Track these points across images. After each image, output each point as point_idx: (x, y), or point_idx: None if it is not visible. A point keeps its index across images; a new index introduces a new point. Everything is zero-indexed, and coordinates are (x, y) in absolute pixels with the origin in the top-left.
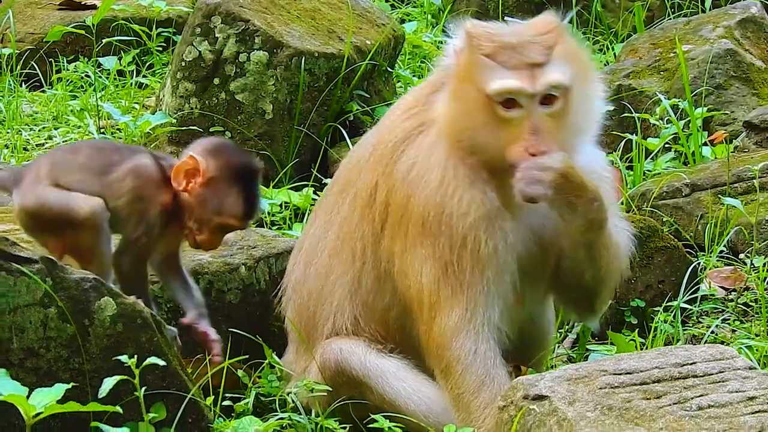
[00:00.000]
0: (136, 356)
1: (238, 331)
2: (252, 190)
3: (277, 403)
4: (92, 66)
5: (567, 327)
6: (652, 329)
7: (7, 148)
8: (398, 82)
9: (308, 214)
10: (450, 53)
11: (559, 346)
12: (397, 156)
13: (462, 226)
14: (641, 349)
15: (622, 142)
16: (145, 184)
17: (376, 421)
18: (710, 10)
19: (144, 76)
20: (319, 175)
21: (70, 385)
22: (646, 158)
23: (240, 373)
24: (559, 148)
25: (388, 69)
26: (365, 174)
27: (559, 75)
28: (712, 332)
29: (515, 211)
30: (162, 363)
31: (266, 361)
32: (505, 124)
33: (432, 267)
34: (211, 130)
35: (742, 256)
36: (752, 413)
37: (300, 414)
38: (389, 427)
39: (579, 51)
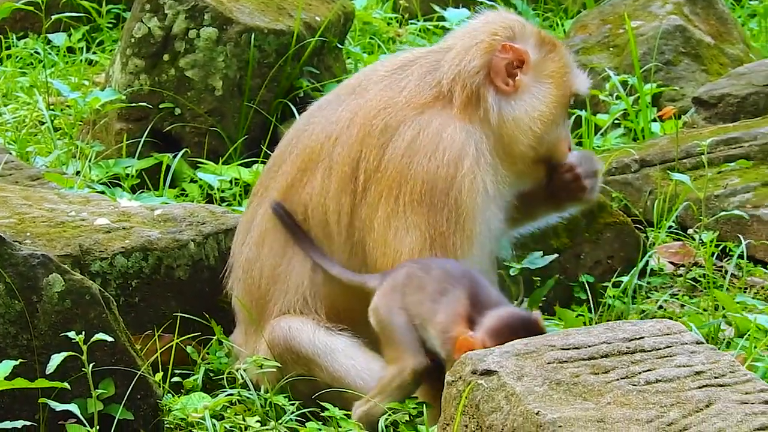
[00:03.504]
0: (84, 332)
1: (187, 317)
2: None
3: (226, 379)
4: (42, 42)
5: (516, 303)
6: (602, 305)
7: None
8: (348, 58)
9: None
10: (490, 48)
11: None
12: (394, 128)
13: (468, 204)
14: (590, 325)
15: (572, 118)
16: None
17: (326, 399)
18: None
19: (94, 53)
20: (268, 152)
21: (18, 362)
22: (595, 134)
23: (189, 349)
24: None
25: (338, 45)
26: (344, 146)
27: None
28: (661, 307)
29: (510, 197)
30: (110, 339)
31: (215, 338)
32: (563, 122)
33: (420, 236)
34: (160, 106)
35: (690, 231)
36: (699, 387)
37: (249, 390)
38: (341, 417)
39: None
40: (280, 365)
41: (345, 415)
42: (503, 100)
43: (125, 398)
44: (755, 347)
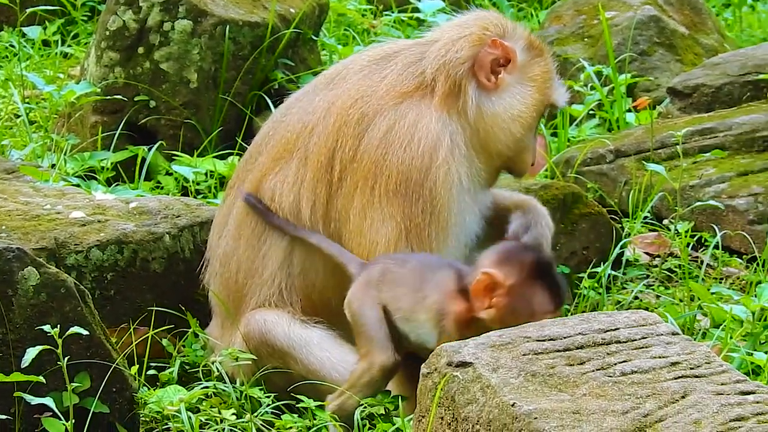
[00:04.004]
0: (59, 326)
1: (162, 310)
2: (554, 279)
3: (201, 372)
4: (17, 35)
5: None
6: (577, 296)
7: None
8: (323, 50)
9: None
10: (479, 42)
11: None
12: (370, 117)
13: (442, 195)
14: (566, 316)
15: (547, 110)
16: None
17: (301, 391)
18: None
19: (69, 46)
20: (244, 144)
21: None
22: (570, 125)
23: (165, 342)
24: None
25: (313, 37)
26: (320, 136)
27: None
28: (636, 298)
29: (484, 191)
30: (85, 332)
31: (191, 330)
32: (533, 131)
33: (395, 227)
34: (135, 99)
35: (665, 221)
36: (675, 378)
37: (225, 383)
38: (315, 408)
39: None
40: (255, 358)
41: (320, 406)
42: (483, 95)
43: (101, 391)
44: (731, 338)
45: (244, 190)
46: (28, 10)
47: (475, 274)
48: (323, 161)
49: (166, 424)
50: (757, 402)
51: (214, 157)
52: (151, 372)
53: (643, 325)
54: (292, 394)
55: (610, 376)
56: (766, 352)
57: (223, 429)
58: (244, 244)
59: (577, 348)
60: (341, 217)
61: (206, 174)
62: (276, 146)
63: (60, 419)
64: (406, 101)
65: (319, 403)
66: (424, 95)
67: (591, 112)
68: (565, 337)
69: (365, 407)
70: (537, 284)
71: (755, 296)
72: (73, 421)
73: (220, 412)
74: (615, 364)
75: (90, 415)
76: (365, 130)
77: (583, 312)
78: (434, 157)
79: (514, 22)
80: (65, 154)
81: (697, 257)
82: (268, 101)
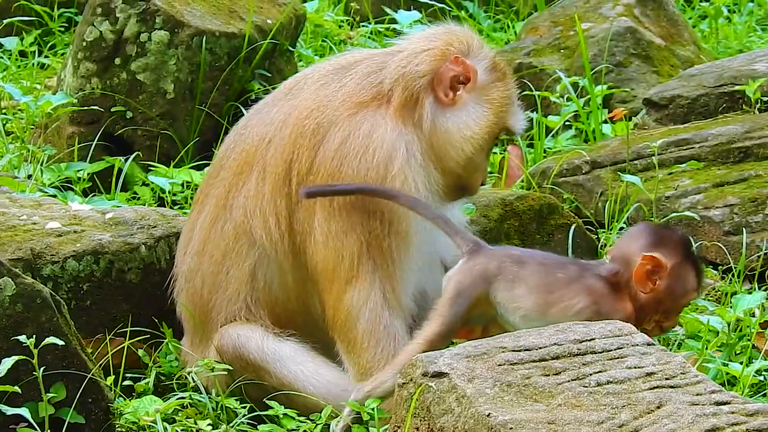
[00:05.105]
0: (35, 336)
1: (138, 321)
2: (697, 258)
3: (177, 383)
4: None
5: None
6: None
7: None
8: (300, 61)
9: None
10: (440, 57)
11: None
12: (325, 128)
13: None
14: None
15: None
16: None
17: (276, 401)
18: None
19: (46, 57)
20: None
21: None
22: (546, 136)
23: (140, 352)
24: None
25: (290, 48)
26: (277, 148)
27: None
28: None
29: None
30: (61, 343)
31: (166, 341)
32: (486, 154)
33: (356, 239)
34: (112, 110)
35: None
36: (650, 389)
37: (201, 393)
38: (283, 414)
39: None
40: (230, 368)
41: (290, 415)
42: (439, 110)
43: (76, 402)
44: (706, 348)
45: (209, 205)
46: (5, 21)
47: (625, 264)
48: (281, 174)
49: None
50: (732, 412)
51: (190, 167)
52: (127, 382)
53: (618, 336)
54: (267, 405)
55: (586, 387)
56: (741, 363)
57: None
58: (208, 260)
59: (553, 358)
60: (304, 229)
61: (183, 185)
62: (237, 160)
63: (35, 430)
64: (361, 112)
65: (291, 412)
66: (380, 105)
67: (567, 123)
68: (540, 348)
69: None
70: (689, 263)
71: (731, 307)
72: (49, 431)
73: (196, 423)
74: (590, 374)
75: (66, 425)
76: (321, 142)
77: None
78: (390, 167)
79: (482, 42)
80: (42, 165)
81: None
82: (245, 112)
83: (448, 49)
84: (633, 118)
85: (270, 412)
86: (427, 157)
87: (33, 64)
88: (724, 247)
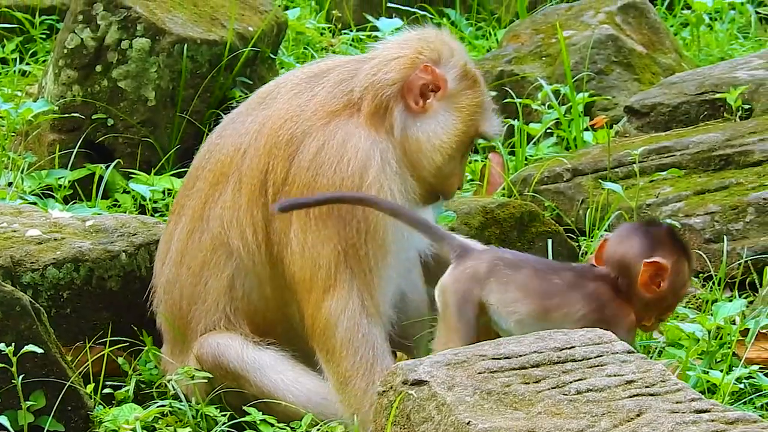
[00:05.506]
0: (14, 344)
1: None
2: (683, 243)
3: (157, 390)
4: None
5: None
6: None
7: None
8: (282, 68)
9: None
10: (411, 65)
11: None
12: (300, 138)
13: (375, 213)
14: None
15: (504, 128)
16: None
17: (257, 409)
18: None
19: (27, 64)
20: None
21: None
22: (528, 143)
23: (120, 360)
24: None
25: (271, 56)
26: (252, 159)
27: None
28: None
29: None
30: (40, 351)
31: (146, 349)
32: (460, 160)
33: (333, 249)
34: (93, 117)
35: None
36: (630, 397)
37: (181, 401)
38: (262, 419)
39: None
40: (210, 376)
41: (268, 422)
42: (410, 118)
43: (56, 410)
44: (687, 356)
45: (185, 216)
46: None
47: (622, 269)
48: (256, 184)
49: None
50: (712, 420)
51: (171, 175)
52: (107, 390)
53: (598, 344)
54: (247, 413)
55: (566, 395)
56: (721, 371)
57: None
58: (186, 271)
59: (533, 366)
60: (281, 240)
61: (163, 192)
62: (213, 170)
63: None
64: (334, 120)
65: (267, 417)
66: (352, 114)
67: (548, 130)
68: (520, 356)
69: (320, 426)
70: (684, 255)
71: (711, 315)
72: None
73: (176, 431)
74: (570, 382)
75: None
76: (295, 152)
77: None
78: (365, 176)
79: (453, 48)
80: (22, 172)
81: None
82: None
83: (418, 57)
84: (614, 125)
85: (248, 418)
86: (402, 164)
87: (14, 71)
88: (704, 255)
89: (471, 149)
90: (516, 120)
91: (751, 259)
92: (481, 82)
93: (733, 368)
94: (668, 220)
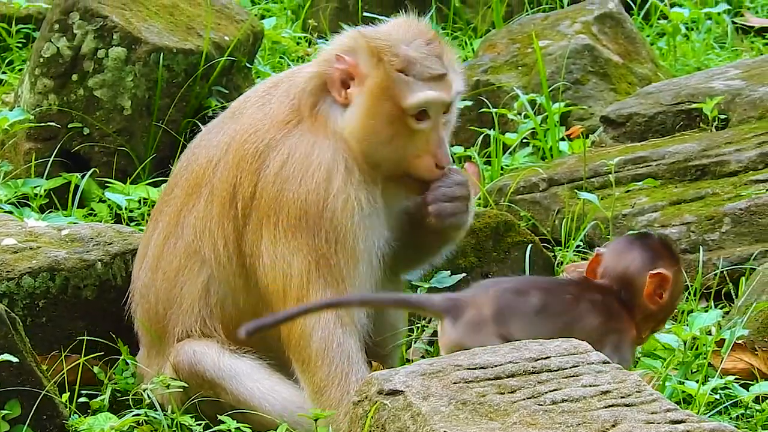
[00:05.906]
0: None
1: (94, 338)
2: (675, 252)
3: (132, 399)
4: None
5: (424, 322)
6: None
7: None
8: (258, 77)
9: None
10: (329, 59)
11: (416, 342)
12: (264, 152)
13: (344, 223)
14: None
15: (480, 137)
16: None
17: (233, 418)
18: (568, 5)
19: (3, 73)
20: None
21: None
22: (503, 153)
23: (96, 369)
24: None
25: (248, 65)
26: (222, 172)
27: (460, 83)
28: None
29: (391, 212)
30: (16, 360)
31: (122, 358)
32: (414, 137)
33: (303, 260)
34: (69, 126)
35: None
36: (606, 407)
37: (156, 410)
38: (237, 428)
39: (454, 55)
40: (186, 385)
41: (242, 430)
42: (339, 112)
43: (31, 419)
44: (666, 367)
45: (163, 223)
46: None
47: (624, 283)
48: (226, 197)
49: None
50: (688, 431)
51: (147, 184)
52: (83, 399)
53: (574, 354)
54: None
55: (541, 405)
56: (697, 381)
57: None
58: (162, 276)
59: (508, 376)
60: (253, 252)
61: (139, 201)
62: (188, 180)
63: None
64: (292, 131)
65: (242, 426)
66: (300, 121)
67: (524, 140)
68: (495, 366)
69: None
70: (677, 265)
71: (687, 325)
72: None
73: None
74: (545, 392)
75: None
76: (261, 166)
77: None
78: (330, 187)
79: (361, 33)
80: None
81: None
82: (203, 128)
83: (332, 50)
84: (590, 135)
85: (222, 427)
86: (360, 160)
87: None
88: None
89: (418, 124)
90: (492, 129)
91: (727, 270)
92: (385, 57)
93: (709, 379)
94: (644, 230)
